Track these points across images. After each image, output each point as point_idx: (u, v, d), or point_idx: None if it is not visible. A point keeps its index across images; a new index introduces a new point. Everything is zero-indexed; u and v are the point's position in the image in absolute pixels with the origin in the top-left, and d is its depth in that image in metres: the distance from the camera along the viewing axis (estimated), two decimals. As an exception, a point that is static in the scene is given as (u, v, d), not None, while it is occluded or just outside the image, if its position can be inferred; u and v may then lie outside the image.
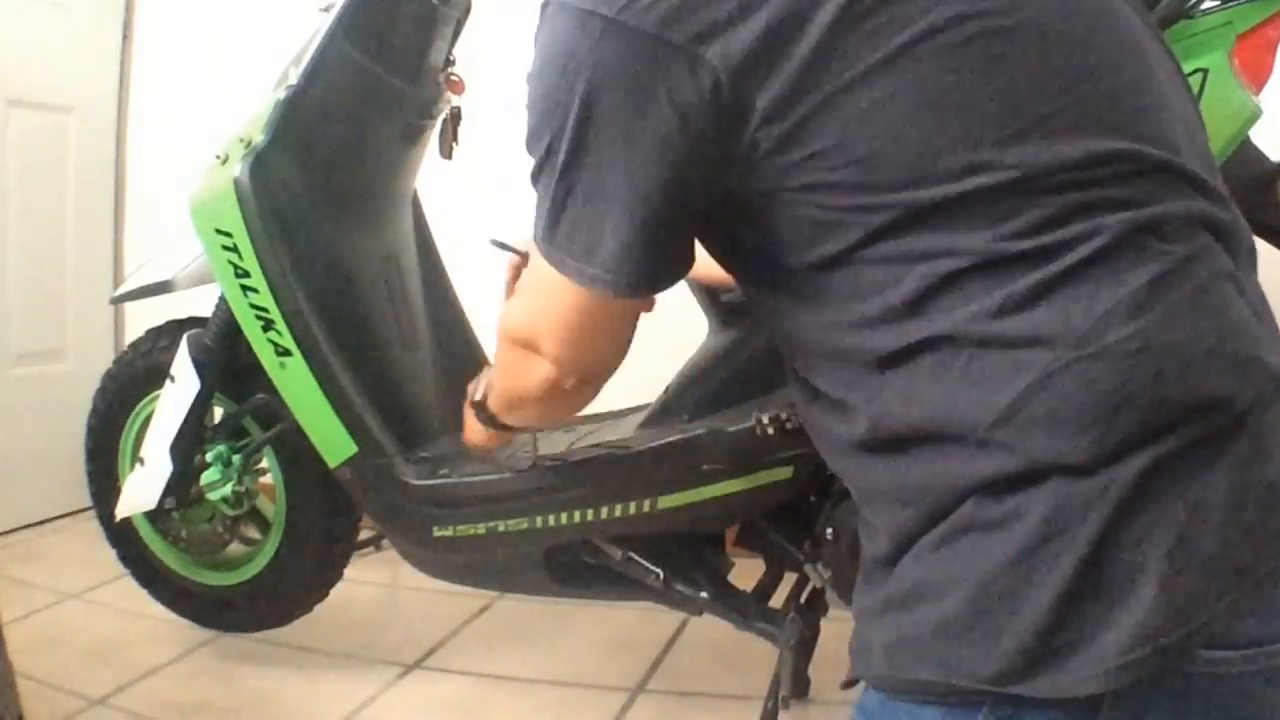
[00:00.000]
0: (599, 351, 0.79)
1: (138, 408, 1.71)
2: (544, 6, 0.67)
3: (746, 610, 1.28)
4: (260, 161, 1.43)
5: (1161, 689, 0.56)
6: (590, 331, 0.76)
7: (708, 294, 1.32)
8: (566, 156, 0.65)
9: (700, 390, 1.28)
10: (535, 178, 0.70)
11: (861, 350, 0.64)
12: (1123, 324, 0.57)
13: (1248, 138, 1.16)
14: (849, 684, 0.68)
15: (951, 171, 0.59)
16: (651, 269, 0.68)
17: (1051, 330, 0.57)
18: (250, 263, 1.41)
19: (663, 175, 0.64)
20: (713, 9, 0.60)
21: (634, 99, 0.62)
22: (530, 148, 0.69)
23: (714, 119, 0.61)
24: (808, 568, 1.23)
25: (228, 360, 1.57)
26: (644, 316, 0.80)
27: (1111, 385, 0.56)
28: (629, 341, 0.80)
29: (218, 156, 1.50)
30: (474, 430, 1.11)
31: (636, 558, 1.28)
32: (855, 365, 0.65)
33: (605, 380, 0.84)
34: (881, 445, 0.65)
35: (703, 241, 0.75)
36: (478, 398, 1.06)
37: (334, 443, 1.42)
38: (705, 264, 0.77)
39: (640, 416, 1.33)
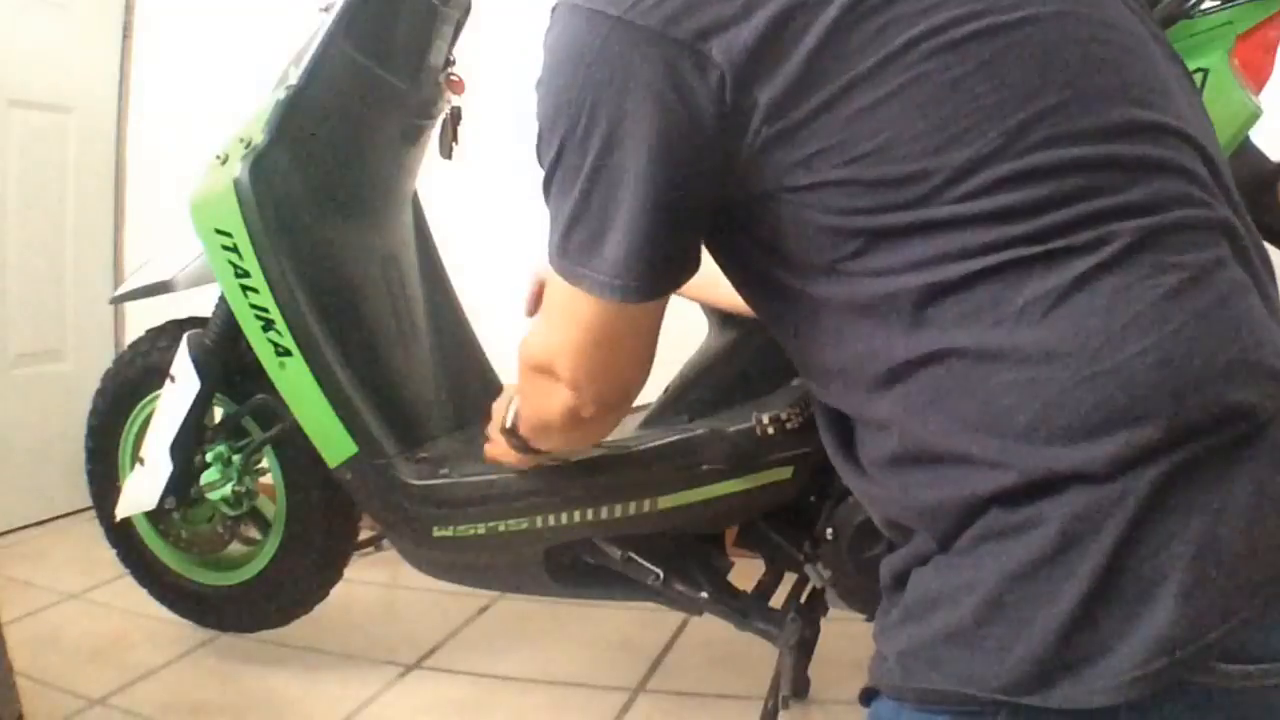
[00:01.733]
0: (616, 373, 0.78)
1: (138, 408, 1.71)
2: (553, 10, 0.67)
3: (746, 610, 1.28)
4: (260, 161, 1.43)
5: (1176, 701, 0.55)
6: (606, 350, 0.75)
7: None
8: (575, 159, 0.65)
9: (700, 390, 1.28)
10: (546, 188, 0.69)
11: (872, 364, 0.63)
12: (1141, 336, 0.56)
13: (1248, 138, 1.16)
14: (865, 696, 0.67)
15: (955, 167, 0.58)
16: (661, 271, 0.68)
17: (1066, 344, 0.56)
18: (250, 263, 1.41)
19: (670, 175, 0.64)
20: (716, 6, 0.60)
21: (641, 96, 0.62)
22: (541, 155, 0.69)
23: (719, 116, 0.61)
24: (808, 568, 1.23)
25: (228, 360, 1.57)
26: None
27: (1130, 399, 0.55)
28: (647, 363, 0.79)
29: (218, 156, 1.50)
30: (504, 453, 1.12)
31: (636, 558, 1.28)
32: (868, 381, 0.64)
33: (626, 407, 0.83)
34: (899, 463, 0.64)
35: (721, 265, 0.75)
36: (508, 424, 1.06)
37: (334, 443, 1.42)
38: (703, 283, 0.77)
39: (640, 416, 1.33)
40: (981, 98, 0.59)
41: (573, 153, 0.65)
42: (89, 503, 1.82)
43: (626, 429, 1.34)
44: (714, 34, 0.60)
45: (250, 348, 1.45)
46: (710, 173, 0.64)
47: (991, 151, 0.58)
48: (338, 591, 1.72)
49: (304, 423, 1.44)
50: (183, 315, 1.69)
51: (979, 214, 0.58)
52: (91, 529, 1.88)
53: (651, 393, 1.35)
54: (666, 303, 0.75)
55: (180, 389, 1.55)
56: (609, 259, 0.67)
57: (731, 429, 1.18)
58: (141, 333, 1.73)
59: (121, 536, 1.74)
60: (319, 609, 1.72)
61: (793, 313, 0.68)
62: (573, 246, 0.68)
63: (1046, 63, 0.61)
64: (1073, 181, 0.58)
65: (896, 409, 0.63)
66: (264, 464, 1.68)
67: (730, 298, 0.82)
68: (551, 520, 1.27)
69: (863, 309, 0.63)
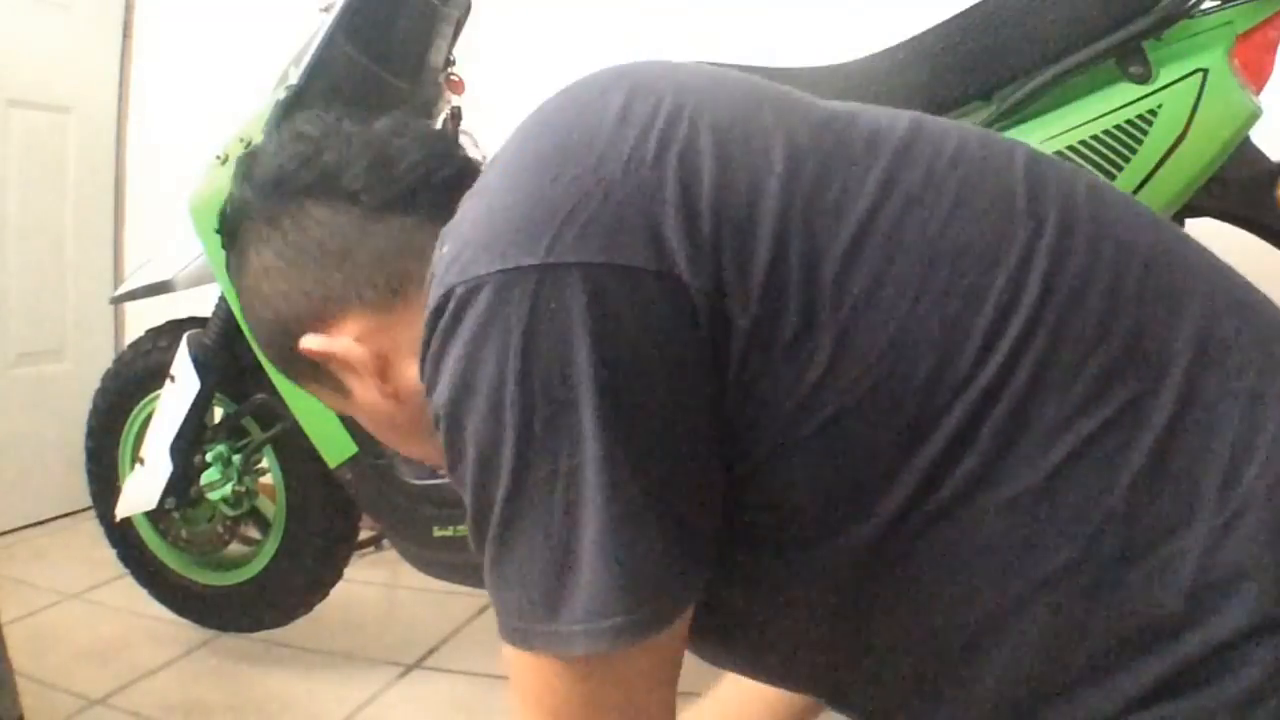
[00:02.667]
0: None
1: (138, 408, 1.71)
2: (444, 301, 0.51)
3: (746, 610, 1.28)
4: (260, 161, 1.43)
5: None
6: None
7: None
8: (531, 472, 0.50)
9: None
10: (498, 555, 0.54)
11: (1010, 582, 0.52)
12: (1246, 478, 0.50)
13: (1248, 138, 1.16)
14: None
15: (985, 328, 0.50)
16: (661, 580, 0.50)
17: (1183, 511, 0.50)
18: (250, 263, 1.41)
19: (654, 440, 0.49)
20: (665, 222, 0.50)
21: (596, 352, 0.48)
22: (476, 504, 0.53)
23: (696, 346, 0.49)
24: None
25: (228, 360, 1.57)
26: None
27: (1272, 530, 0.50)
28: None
29: (218, 156, 1.50)
30: None
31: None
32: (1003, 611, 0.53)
33: None
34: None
35: (743, 583, 0.58)
36: None
37: (334, 443, 1.42)
38: None
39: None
40: (969, 238, 0.52)
41: (526, 469, 0.49)
42: (89, 503, 1.82)
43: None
44: (674, 254, 0.49)
45: (250, 348, 1.46)
46: (700, 427, 0.50)
47: (1009, 301, 0.51)
48: (338, 591, 1.72)
49: (304, 423, 1.44)
50: (183, 315, 1.69)
51: (1040, 384, 0.51)
52: (91, 529, 1.88)
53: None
54: (683, 628, 0.54)
55: (180, 389, 1.55)
56: (585, 595, 0.49)
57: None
58: (141, 333, 1.73)
59: (121, 536, 1.75)
60: (319, 609, 1.72)
61: (850, 591, 0.54)
62: (530, 604, 0.52)
63: (996, 195, 0.54)
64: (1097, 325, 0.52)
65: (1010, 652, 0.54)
66: (264, 464, 1.69)
67: None
68: (551, 520, 1.27)
69: (951, 553, 0.52)
